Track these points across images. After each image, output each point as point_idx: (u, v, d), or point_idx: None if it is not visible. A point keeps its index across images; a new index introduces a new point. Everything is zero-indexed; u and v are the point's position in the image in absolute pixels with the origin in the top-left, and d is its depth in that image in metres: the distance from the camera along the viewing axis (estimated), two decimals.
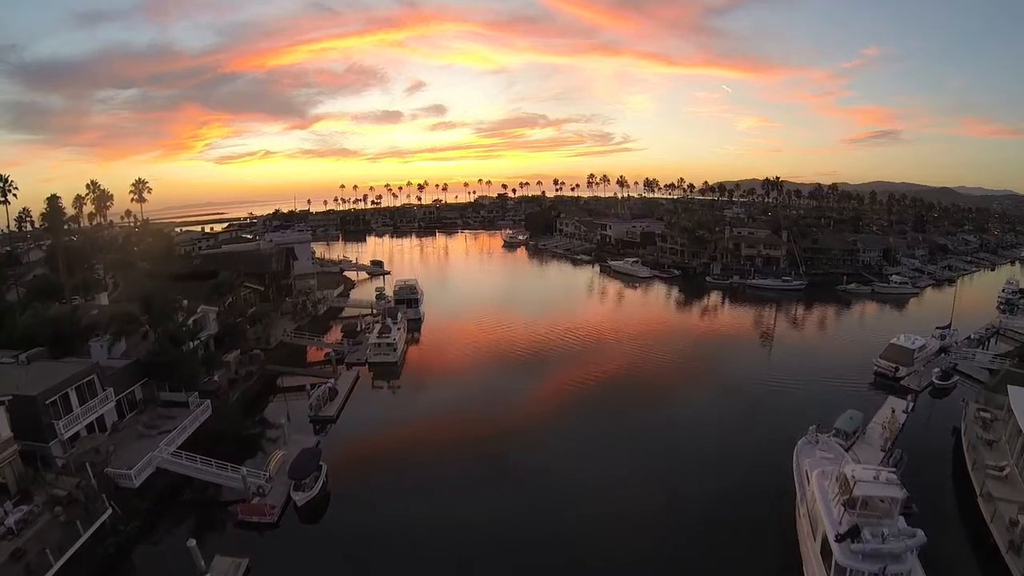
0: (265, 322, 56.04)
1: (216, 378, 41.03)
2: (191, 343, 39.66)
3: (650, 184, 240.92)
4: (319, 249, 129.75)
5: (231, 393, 40.72)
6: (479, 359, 53.60)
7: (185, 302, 41.72)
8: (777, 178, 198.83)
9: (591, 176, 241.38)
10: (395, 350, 49.09)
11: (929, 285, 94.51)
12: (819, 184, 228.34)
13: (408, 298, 64.09)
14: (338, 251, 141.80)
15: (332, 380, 42.72)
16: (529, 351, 56.35)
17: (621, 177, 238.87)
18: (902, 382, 46.10)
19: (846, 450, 32.19)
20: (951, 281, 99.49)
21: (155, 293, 37.89)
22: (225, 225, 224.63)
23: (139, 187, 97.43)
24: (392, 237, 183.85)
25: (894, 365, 47.00)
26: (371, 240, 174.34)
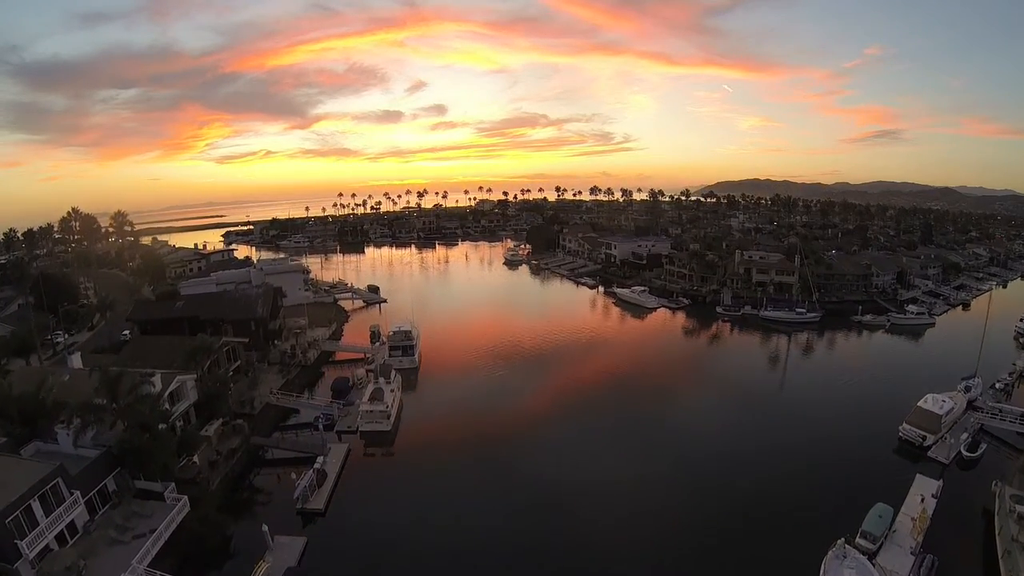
0: (251, 377, 53.25)
1: (195, 459, 38.34)
2: (165, 424, 36.98)
3: (655, 194, 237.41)
4: (315, 264, 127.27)
5: (212, 478, 37.90)
6: (480, 411, 50.88)
7: (158, 376, 38.94)
8: (790, 197, 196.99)
9: (595, 188, 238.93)
10: (388, 417, 45.88)
11: (945, 311, 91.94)
12: (821, 183, 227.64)
13: (403, 345, 61.12)
14: (335, 266, 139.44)
15: (321, 459, 39.82)
16: (534, 396, 54.71)
17: (625, 190, 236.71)
18: (929, 452, 43.32)
19: (874, 556, 30.72)
20: (966, 305, 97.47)
21: (121, 377, 34.87)
22: (223, 232, 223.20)
23: (119, 219, 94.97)
24: (391, 247, 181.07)
25: (921, 434, 44.17)
26: (369, 252, 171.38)
